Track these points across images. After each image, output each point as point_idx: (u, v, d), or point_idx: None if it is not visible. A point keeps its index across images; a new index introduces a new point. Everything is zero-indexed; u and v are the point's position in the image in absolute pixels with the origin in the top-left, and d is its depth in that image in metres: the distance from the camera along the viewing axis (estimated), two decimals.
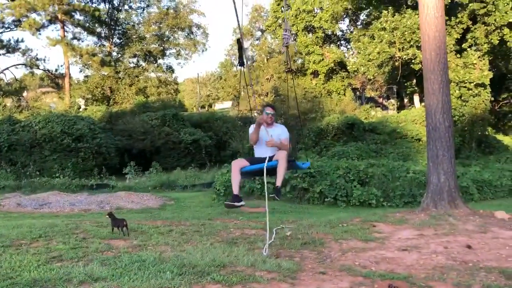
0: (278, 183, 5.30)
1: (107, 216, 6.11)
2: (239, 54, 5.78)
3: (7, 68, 34.52)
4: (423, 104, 27.49)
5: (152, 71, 39.71)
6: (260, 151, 5.65)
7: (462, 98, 22.00)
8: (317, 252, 5.13)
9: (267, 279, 3.86)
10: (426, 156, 7.88)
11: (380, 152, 18.92)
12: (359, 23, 33.18)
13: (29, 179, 16.34)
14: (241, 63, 5.84)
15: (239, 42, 5.58)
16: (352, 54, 34.24)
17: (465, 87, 22.27)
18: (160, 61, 40.33)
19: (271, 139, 5.48)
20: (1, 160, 18.79)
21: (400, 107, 32.90)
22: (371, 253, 5.04)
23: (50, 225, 6.74)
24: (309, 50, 33.59)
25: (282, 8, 26.60)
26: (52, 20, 32.14)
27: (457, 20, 22.56)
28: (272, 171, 5.41)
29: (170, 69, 41.08)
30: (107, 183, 16.52)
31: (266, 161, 5.31)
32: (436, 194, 7.36)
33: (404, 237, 5.84)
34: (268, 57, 41.93)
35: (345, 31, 37.15)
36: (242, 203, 5.36)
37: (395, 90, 35.88)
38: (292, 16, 32.85)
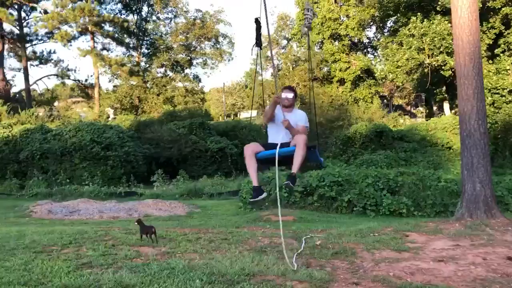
0: (294, 169, 4.76)
1: (136, 223, 6.11)
2: (257, 34, 5.14)
3: (40, 79, 35.61)
4: (453, 111, 26.93)
5: (179, 81, 40.26)
6: (273, 135, 5.18)
7: (495, 105, 21.40)
8: (349, 262, 4.98)
9: None
10: (460, 164, 7.62)
11: (410, 161, 18.50)
12: (386, 30, 32.79)
13: (60, 187, 16.67)
14: (258, 44, 5.20)
15: (257, 22, 4.91)
16: (379, 61, 33.82)
17: (497, 93, 21.66)
18: (187, 70, 40.92)
19: (285, 119, 4.95)
20: (34, 168, 19.24)
21: (429, 115, 32.23)
22: (406, 264, 4.85)
23: (80, 232, 6.80)
24: (335, 58, 33.39)
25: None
26: (83, 31, 33.00)
27: (489, 25, 22.04)
28: (288, 160, 4.86)
29: (197, 79, 41.58)
30: (135, 190, 16.68)
31: (278, 147, 4.77)
32: (472, 203, 7.09)
33: (439, 247, 5.61)
34: (294, 66, 41.89)
35: (371, 39, 36.80)
36: (264, 194, 4.95)
37: (424, 97, 35.23)
38: (318, 24, 32.74)
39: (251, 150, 5.03)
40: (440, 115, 26.05)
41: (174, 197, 15.19)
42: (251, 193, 5.20)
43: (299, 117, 5.18)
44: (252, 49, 4.46)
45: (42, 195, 15.66)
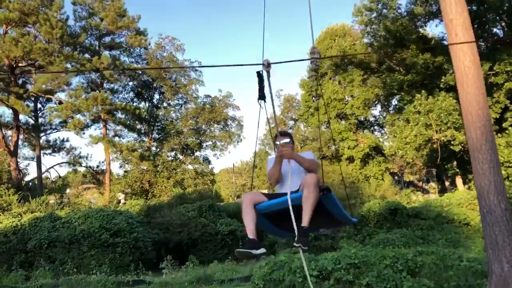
0: (305, 222, 3.84)
1: None
2: (259, 87, 4.29)
3: (52, 167, 36.04)
4: (466, 186, 26.49)
5: (189, 163, 40.59)
6: (284, 187, 4.33)
7: (510, 179, 21.04)
8: None
9: None
10: (484, 242, 7.25)
11: (427, 239, 17.83)
12: (391, 108, 33.44)
13: (66, 277, 16.12)
14: (262, 97, 4.26)
15: (259, 75, 4.29)
16: (387, 138, 34.12)
17: (511, 167, 21.41)
18: (197, 153, 41.40)
19: (283, 144, 4.22)
20: (41, 257, 18.80)
21: (442, 190, 31.76)
22: None
23: None
24: (342, 136, 33.76)
25: (314, 98, 27.39)
26: (95, 119, 33.98)
27: (494, 100, 22.35)
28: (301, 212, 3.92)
29: (207, 161, 41.97)
30: (143, 279, 16.07)
31: (289, 194, 3.90)
32: (500, 285, 6.63)
33: None
34: (302, 145, 42.33)
35: (377, 117, 37.44)
36: (262, 250, 3.96)
37: (435, 173, 34.95)
38: (323, 104, 33.54)
39: (250, 199, 4.16)
40: (454, 190, 25.61)
41: (184, 285, 14.56)
42: (242, 244, 4.36)
43: (305, 155, 4.42)
44: (258, 102, 4.19)
45: (47, 286, 15.09)
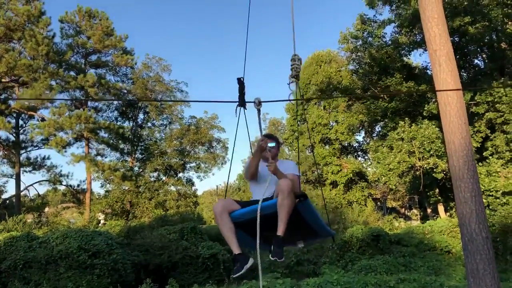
0: (280, 231, 3.61)
1: None
2: (240, 94, 4.06)
3: (31, 185, 35.30)
4: (448, 214, 26.72)
5: (172, 185, 40.18)
6: (258, 193, 4.08)
7: (490, 207, 21.28)
8: None
9: None
10: (465, 271, 7.26)
11: (409, 266, 17.82)
12: (375, 134, 33.84)
13: None
14: (242, 103, 4.04)
15: (240, 82, 4.08)
16: (370, 165, 34.42)
17: (491, 195, 21.69)
18: (180, 174, 41.04)
19: (271, 162, 3.98)
20: (15, 279, 18.18)
21: (424, 217, 31.98)
22: None
23: None
24: (326, 161, 33.92)
25: (298, 122, 27.59)
26: (78, 138, 33.54)
27: (475, 129, 22.78)
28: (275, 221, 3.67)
29: (190, 182, 41.58)
30: None
31: (260, 202, 3.69)
32: None
33: None
34: None
35: (361, 142, 37.80)
36: (251, 262, 3.81)
37: (417, 199, 35.22)
38: (308, 129, 33.81)
39: (221, 207, 3.86)
40: (435, 218, 25.79)
41: None
42: (233, 266, 3.90)
43: (286, 166, 4.24)
44: (236, 110, 4.04)
45: None
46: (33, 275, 18.55)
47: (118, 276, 19.54)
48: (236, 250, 3.87)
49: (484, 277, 6.72)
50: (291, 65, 4.48)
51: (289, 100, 4.41)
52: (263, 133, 4.32)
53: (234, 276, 3.76)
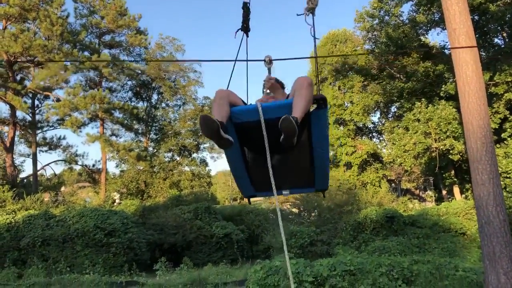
0: (296, 113, 3.05)
1: None
2: (244, 19, 4.01)
3: (48, 164, 35.88)
4: (463, 195, 26.45)
5: (186, 165, 40.45)
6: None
7: (507, 189, 20.97)
8: None
9: None
10: (481, 253, 7.18)
11: (423, 248, 17.75)
12: (390, 115, 33.42)
13: (59, 276, 15.96)
14: (245, 28, 4.00)
15: (246, 6, 3.94)
16: (385, 146, 34.09)
17: (509, 177, 21.35)
18: (194, 155, 41.26)
19: (270, 78, 3.78)
20: (34, 255, 18.64)
21: (439, 199, 31.72)
22: None
23: None
24: (341, 142, 33.68)
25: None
26: (93, 118, 33.85)
27: (494, 110, 22.32)
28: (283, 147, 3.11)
29: (204, 163, 41.80)
30: (136, 280, 15.93)
31: (260, 108, 3.19)
32: None
33: None
34: None
35: (376, 123, 37.39)
36: (229, 137, 3.10)
37: (432, 181, 34.91)
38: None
39: (226, 93, 3.38)
40: (451, 200, 25.56)
41: (177, 287, 14.43)
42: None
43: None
44: (236, 33, 3.94)
45: (40, 285, 14.93)
46: (51, 253, 19.01)
47: (133, 254, 19.90)
48: (220, 119, 3.11)
49: (500, 259, 6.64)
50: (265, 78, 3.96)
51: (303, 58, 4.30)
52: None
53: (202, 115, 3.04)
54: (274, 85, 3.84)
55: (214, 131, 2.96)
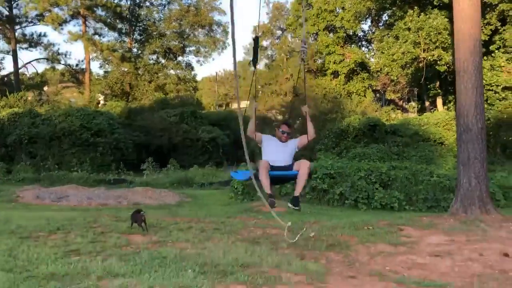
0: (297, 192, 5.17)
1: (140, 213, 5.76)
2: (254, 52, 5.07)
3: (29, 62, 34.94)
4: (445, 107, 26.95)
5: (172, 68, 39.78)
6: (274, 156, 5.35)
7: (488, 101, 21.40)
8: (344, 255, 4.89)
9: (293, 281, 3.65)
10: (456, 159, 7.58)
11: (402, 155, 18.47)
12: (381, 23, 32.67)
13: (48, 172, 16.38)
14: (254, 63, 5.21)
15: (256, 40, 5.01)
16: (374, 55, 33.77)
17: (491, 90, 21.68)
18: (179, 58, 40.41)
19: (305, 107, 5.52)
20: (21, 152, 18.91)
21: (421, 110, 32.27)
22: (401, 258, 4.78)
23: (68, 219, 6.64)
24: (329, 50, 33.20)
25: (303, 8, 26.40)
26: (74, 15, 32.37)
27: (485, 21, 21.96)
28: (289, 179, 5.74)
29: (190, 67, 41.15)
30: (124, 178, 16.49)
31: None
32: (467, 198, 7.05)
33: (434, 242, 5.55)
34: (288, 56, 41.67)
35: (366, 32, 36.65)
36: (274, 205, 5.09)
37: (416, 92, 35.25)
38: (313, 15, 32.51)
39: (266, 166, 5.16)
40: (433, 111, 26.06)
41: (164, 185, 15.02)
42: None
43: (294, 140, 5.65)
44: (249, 64, 4.60)
45: (29, 180, 15.38)
46: (38, 150, 19.30)
47: (120, 154, 20.34)
48: (269, 191, 5.00)
49: (474, 165, 7.03)
50: (301, 48, 5.11)
51: None
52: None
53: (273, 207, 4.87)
54: (289, 132, 5.61)
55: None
